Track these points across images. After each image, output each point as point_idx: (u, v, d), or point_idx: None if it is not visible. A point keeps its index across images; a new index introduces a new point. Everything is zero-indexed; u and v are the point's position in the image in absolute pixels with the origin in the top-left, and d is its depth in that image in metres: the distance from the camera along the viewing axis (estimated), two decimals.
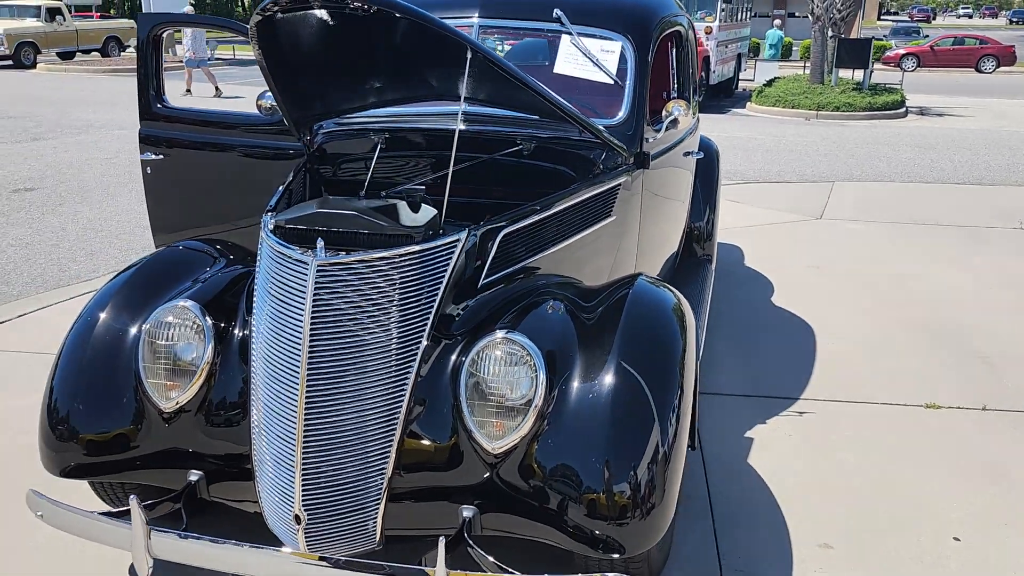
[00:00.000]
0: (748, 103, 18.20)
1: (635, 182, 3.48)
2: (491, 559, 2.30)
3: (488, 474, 2.36)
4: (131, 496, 2.31)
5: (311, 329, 2.30)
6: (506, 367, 2.36)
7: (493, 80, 2.90)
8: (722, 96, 20.13)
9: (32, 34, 24.82)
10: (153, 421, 2.57)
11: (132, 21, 30.28)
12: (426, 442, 2.39)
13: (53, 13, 25.72)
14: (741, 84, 22.00)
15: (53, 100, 16.37)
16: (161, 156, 4.12)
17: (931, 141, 13.09)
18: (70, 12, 26.79)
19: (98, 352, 2.66)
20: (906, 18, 70.58)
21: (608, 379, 2.36)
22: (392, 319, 2.38)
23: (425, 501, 2.42)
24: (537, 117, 3.33)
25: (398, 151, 3.45)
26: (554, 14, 3.55)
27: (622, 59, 3.56)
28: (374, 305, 2.36)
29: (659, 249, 4.12)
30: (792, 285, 5.86)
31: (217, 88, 17.39)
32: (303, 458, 2.31)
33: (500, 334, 2.39)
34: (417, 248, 2.42)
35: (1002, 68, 29.62)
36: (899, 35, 37.72)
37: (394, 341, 2.38)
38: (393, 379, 2.38)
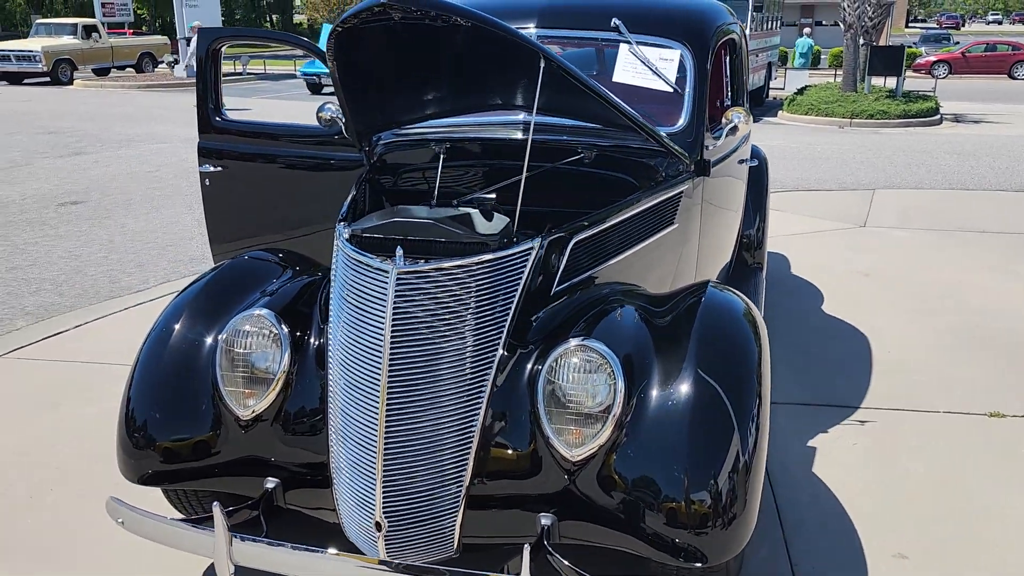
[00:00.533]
0: (780, 111, 18.11)
1: (696, 190, 3.47)
2: (571, 566, 2.29)
3: (566, 482, 2.36)
4: (214, 503, 2.33)
5: (392, 337, 2.31)
6: (584, 374, 2.35)
7: (562, 89, 2.91)
8: (753, 105, 20.02)
9: (69, 51, 25.32)
10: (230, 429, 2.59)
11: (165, 37, 30.73)
12: (504, 450, 2.40)
13: (89, 30, 26.23)
14: (772, 93, 21.90)
15: (92, 115, 16.66)
16: (220, 168, 4.17)
17: (969, 148, 12.95)
18: (104, 29, 27.28)
19: (175, 360, 2.69)
20: (934, 25, 69.94)
21: (686, 387, 2.35)
22: (469, 327, 2.39)
23: (503, 509, 2.42)
24: (597, 126, 3.33)
25: (459, 161, 3.46)
26: (612, 23, 3.55)
27: (680, 67, 3.56)
28: (452, 313, 2.37)
29: (716, 257, 4.10)
30: (841, 293, 5.81)
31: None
32: (384, 465, 2.32)
33: (576, 341, 2.39)
34: (493, 256, 2.43)
35: None
36: (929, 42, 37.38)
37: (471, 349, 2.39)
38: (470, 386, 2.38)
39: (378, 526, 2.34)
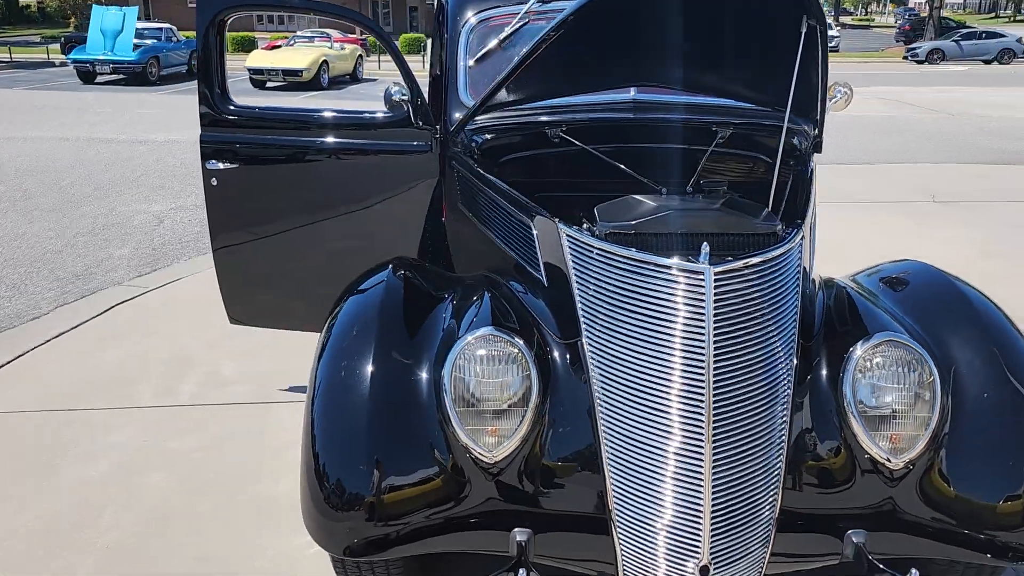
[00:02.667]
0: None
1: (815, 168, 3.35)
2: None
3: (884, 492, 2.14)
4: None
5: (715, 347, 1.98)
6: (901, 370, 2.14)
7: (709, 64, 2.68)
8: None
9: None
10: (470, 474, 2.12)
11: None
12: (815, 463, 2.14)
13: None
14: None
15: None
16: (232, 165, 3.50)
17: None
18: None
19: (378, 401, 2.16)
20: None
21: (992, 382, 2.21)
22: (771, 327, 2.10)
23: (810, 531, 2.16)
24: (723, 103, 3.12)
25: (576, 145, 3.12)
26: None
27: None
28: (759, 313, 2.07)
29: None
30: None
31: None
32: (713, 498, 1.98)
33: (883, 336, 2.17)
34: (786, 248, 2.16)
35: None
36: None
37: (780, 352, 2.10)
38: (780, 395, 2.10)
39: (704, 571, 2.00)
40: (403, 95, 3.27)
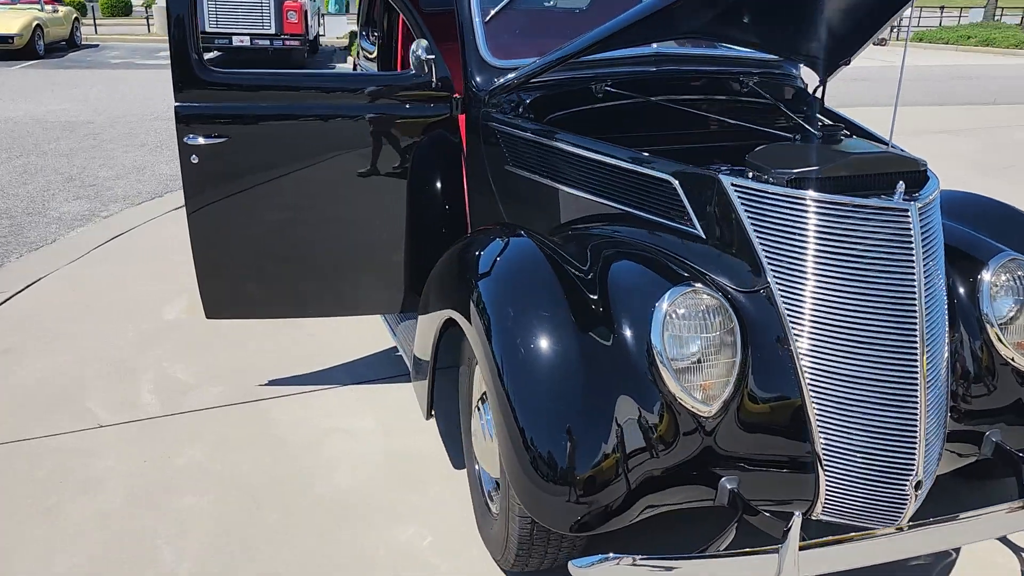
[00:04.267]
0: (348, 58, 18.17)
1: None
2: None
3: (1017, 392, 2.43)
4: (795, 514, 1.95)
5: (925, 278, 2.13)
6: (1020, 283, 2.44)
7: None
8: (310, 53, 19.72)
9: None
10: (684, 431, 2.14)
11: None
12: (964, 371, 2.38)
13: None
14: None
15: None
16: (219, 139, 3.10)
17: None
18: None
19: (580, 371, 2.11)
20: None
21: None
22: (941, 254, 2.30)
23: (958, 433, 2.40)
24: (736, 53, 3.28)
25: (619, 100, 3.11)
26: None
27: None
28: (938, 241, 2.27)
29: None
30: None
31: None
32: (926, 417, 2.15)
33: (1004, 256, 2.45)
34: (938, 182, 2.36)
35: None
36: None
37: (947, 279, 2.32)
38: (945, 313, 2.30)
39: (918, 486, 2.17)
40: (430, 54, 3.08)
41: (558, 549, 2.35)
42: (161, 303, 4.54)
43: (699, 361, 2.14)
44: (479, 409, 2.56)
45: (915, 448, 2.14)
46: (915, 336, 2.13)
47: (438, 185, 3.30)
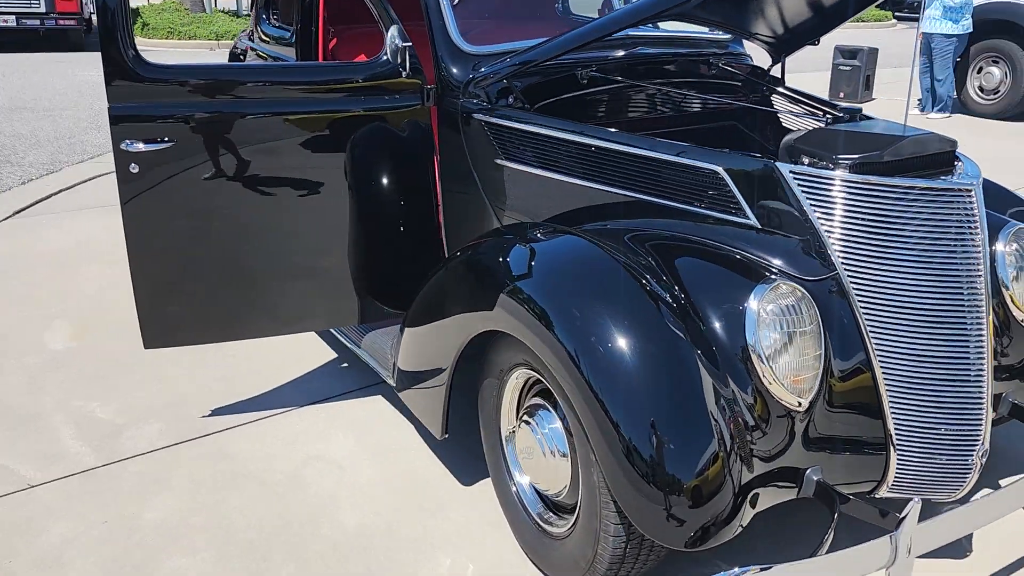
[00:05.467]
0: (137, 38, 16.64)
1: None
2: None
3: None
4: (913, 500, 1.97)
5: (988, 255, 2.23)
6: None
7: None
8: None
9: None
10: (777, 428, 2.11)
11: None
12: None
13: None
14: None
15: None
16: (163, 145, 2.68)
17: None
18: None
19: (673, 378, 2.04)
20: None
21: None
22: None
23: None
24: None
25: (601, 85, 3.01)
26: None
27: None
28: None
29: None
30: None
31: None
32: (993, 389, 2.25)
33: (1014, 227, 2.60)
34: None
35: None
36: None
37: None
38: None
39: (983, 455, 2.26)
40: (405, 41, 2.82)
41: (644, 563, 2.25)
42: (39, 331, 3.92)
43: (791, 356, 2.12)
44: (528, 424, 2.39)
45: (982, 419, 2.24)
46: (982, 311, 2.21)
47: (407, 183, 3.05)
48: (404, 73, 2.88)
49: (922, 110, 9.40)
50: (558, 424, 2.32)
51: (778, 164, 2.28)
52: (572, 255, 2.31)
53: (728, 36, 3.48)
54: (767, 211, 2.32)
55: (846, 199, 2.21)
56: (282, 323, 3.07)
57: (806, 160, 2.30)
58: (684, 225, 2.45)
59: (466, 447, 2.88)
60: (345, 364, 3.62)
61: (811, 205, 2.24)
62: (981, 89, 9.44)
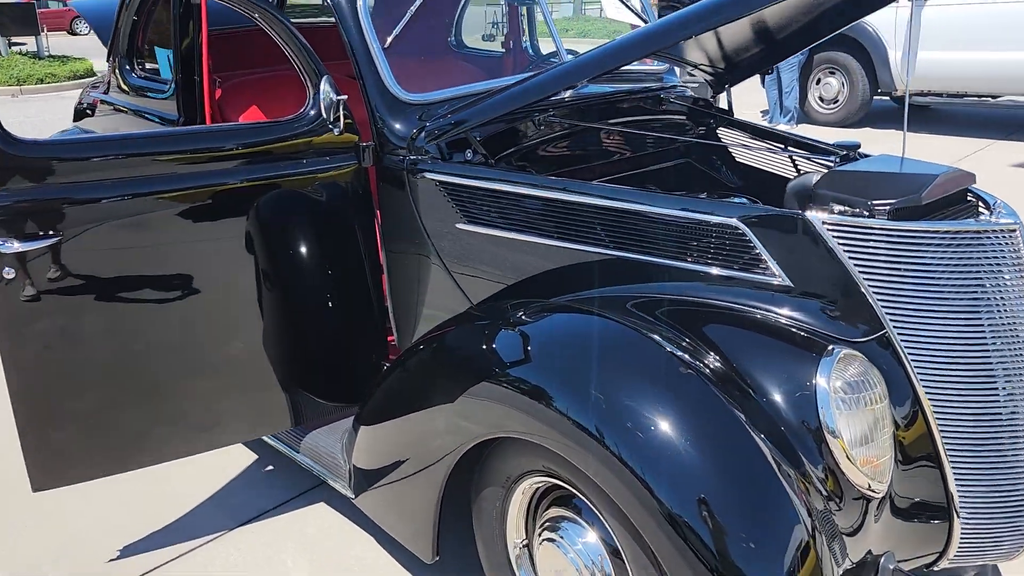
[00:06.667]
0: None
1: None
2: None
3: None
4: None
5: None
6: None
7: None
8: None
9: None
10: (853, 515, 1.86)
11: None
12: None
13: None
14: None
15: None
16: (48, 239, 2.13)
17: None
18: None
19: (747, 464, 1.74)
20: None
21: None
22: None
23: None
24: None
25: (555, 131, 2.69)
26: None
27: None
28: None
29: None
30: None
31: None
32: None
33: None
34: None
35: None
36: None
37: None
38: None
39: None
40: (339, 94, 2.39)
41: None
42: None
43: (867, 435, 1.86)
44: (552, 541, 2.02)
45: None
46: None
47: (344, 256, 2.61)
48: (336, 131, 2.46)
49: (770, 120, 9.69)
50: (591, 538, 1.97)
51: (807, 214, 2.03)
52: (597, 337, 1.96)
53: (663, 67, 3.26)
54: (798, 267, 2.05)
55: (889, 249, 1.99)
56: (197, 439, 2.54)
57: (836, 208, 2.07)
58: (699, 287, 2.16)
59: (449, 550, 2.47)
60: (270, 467, 3.10)
61: (850, 255, 2.00)
62: (821, 99, 9.85)
